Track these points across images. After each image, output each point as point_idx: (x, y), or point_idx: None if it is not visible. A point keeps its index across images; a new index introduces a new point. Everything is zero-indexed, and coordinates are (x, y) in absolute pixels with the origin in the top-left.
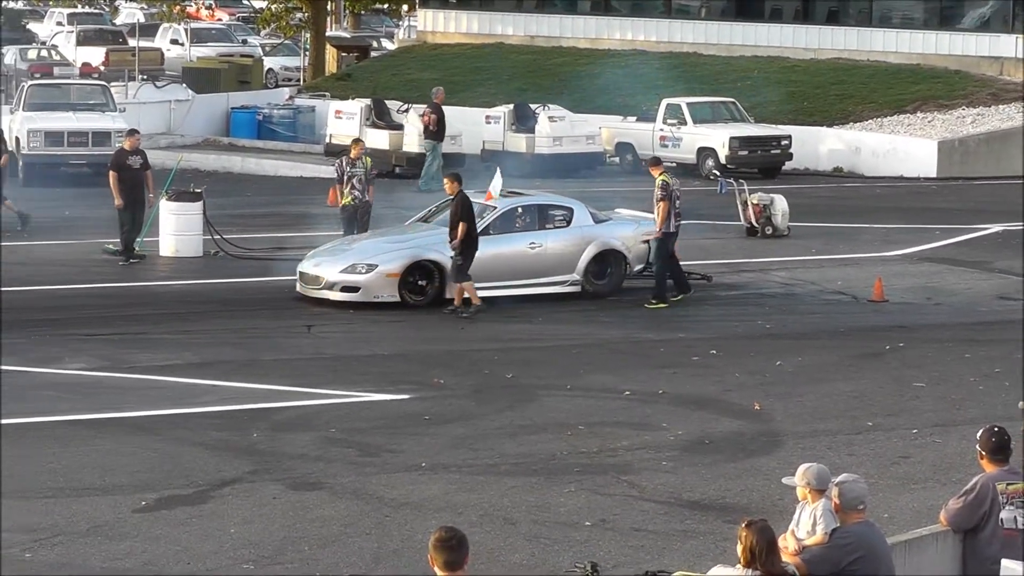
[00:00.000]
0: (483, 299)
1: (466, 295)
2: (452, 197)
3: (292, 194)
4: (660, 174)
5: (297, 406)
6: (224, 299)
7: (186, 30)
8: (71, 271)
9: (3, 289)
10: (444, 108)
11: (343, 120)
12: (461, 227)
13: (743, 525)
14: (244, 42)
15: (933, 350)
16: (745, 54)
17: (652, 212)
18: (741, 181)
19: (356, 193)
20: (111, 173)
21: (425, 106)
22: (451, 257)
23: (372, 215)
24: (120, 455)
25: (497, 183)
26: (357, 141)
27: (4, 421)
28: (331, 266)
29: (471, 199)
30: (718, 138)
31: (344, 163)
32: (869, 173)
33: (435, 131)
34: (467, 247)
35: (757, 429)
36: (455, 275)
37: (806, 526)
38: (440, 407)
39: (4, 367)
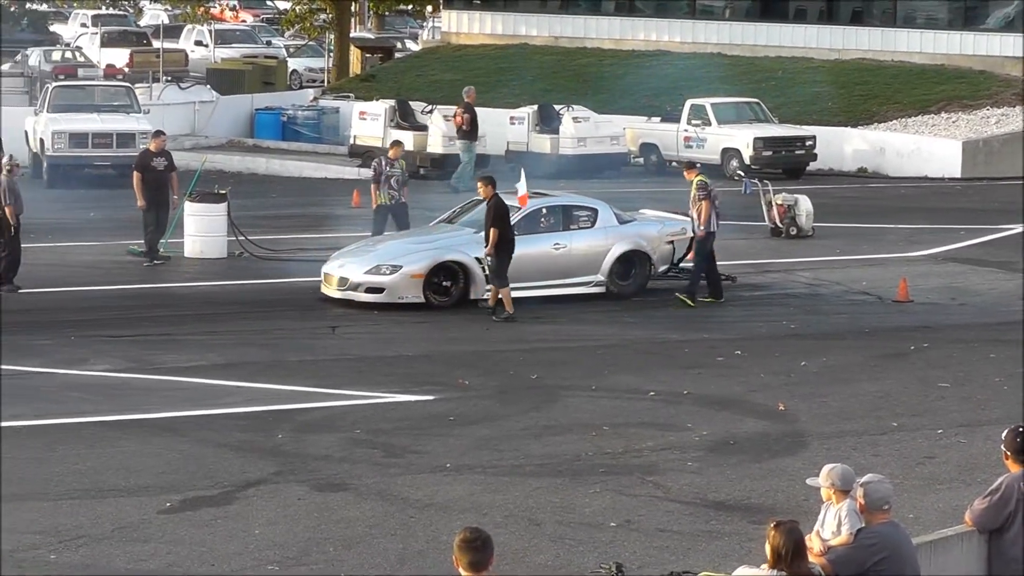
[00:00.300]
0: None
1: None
2: (485, 201)
3: (316, 195)
4: (696, 176)
5: (322, 407)
6: (249, 300)
7: (210, 31)
8: (95, 273)
9: (29, 291)
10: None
11: (367, 121)
12: (493, 232)
13: (772, 525)
14: (268, 43)
15: (958, 350)
16: (769, 55)
17: (678, 213)
18: (765, 181)
19: (393, 193)
20: (135, 174)
21: (457, 107)
22: (486, 261)
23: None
24: (145, 456)
25: (523, 184)
26: (397, 143)
27: (29, 423)
28: (356, 267)
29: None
30: (742, 138)
31: (382, 163)
32: (893, 173)
33: (468, 131)
34: (502, 251)
35: (782, 430)
36: (492, 279)
37: (831, 527)
38: (465, 408)
39: (30, 369)
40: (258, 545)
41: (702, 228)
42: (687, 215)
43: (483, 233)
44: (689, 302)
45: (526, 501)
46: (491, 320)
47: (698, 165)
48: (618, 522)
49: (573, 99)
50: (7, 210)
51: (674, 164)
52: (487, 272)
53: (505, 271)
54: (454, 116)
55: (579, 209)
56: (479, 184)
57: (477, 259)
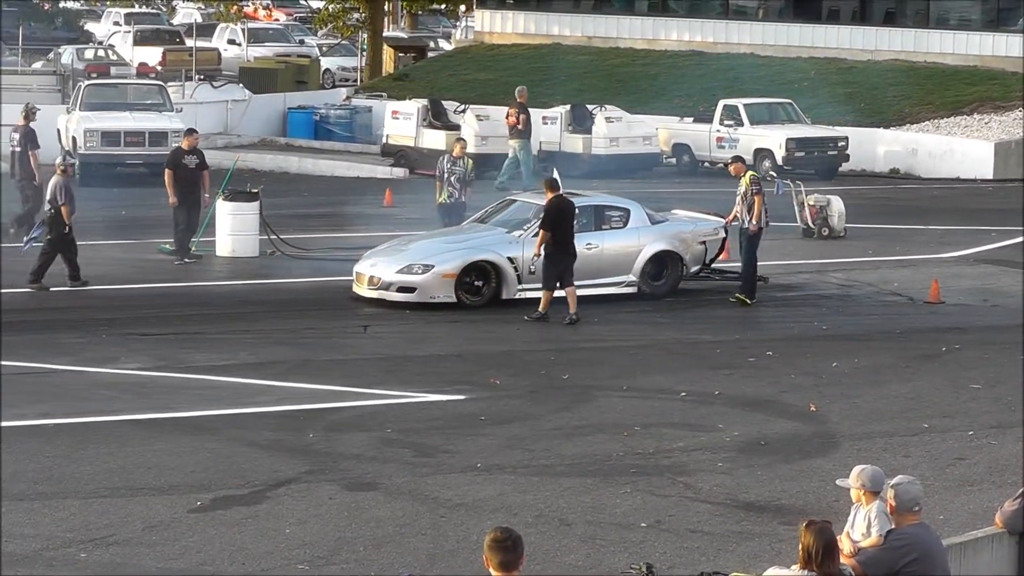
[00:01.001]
0: (538, 300)
1: (542, 299)
2: (548, 201)
3: (348, 194)
4: (747, 172)
5: (353, 406)
6: (280, 299)
7: (243, 30)
8: (127, 271)
9: (58, 289)
10: (500, 108)
11: (400, 120)
12: (541, 235)
13: (803, 524)
14: (301, 42)
15: (989, 352)
16: (802, 55)
17: (710, 214)
18: (798, 182)
19: (452, 191)
20: (167, 172)
21: (509, 107)
22: (531, 261)
23: (431, 216)
24: (176, 455)
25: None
26: (460, 140)
27: (60, 421)
28: (387, 267)
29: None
30: (775, 139)
31: (445, 161)
32: (926, 174)
33: (523, 129)
34: (556, 254)
35: (813, 430)
36: (545, 281)
37: (861, 528)
38: (496, 408)
39: (61, 367)
40: (288, 544)
41: (755, 224)
42: (719, 215)
43: (518, 232)
44: (747, 300)
45: (557, 501)
46: (526, 320)
47: (744, 160)
48: (648, 522)
49: (606, 99)
50: (62, 210)
51: (706, 164)
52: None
53: (553, 275)
54: (507, 116)
55: (611, 209)
56: (543, 186)
57: (509, 259)
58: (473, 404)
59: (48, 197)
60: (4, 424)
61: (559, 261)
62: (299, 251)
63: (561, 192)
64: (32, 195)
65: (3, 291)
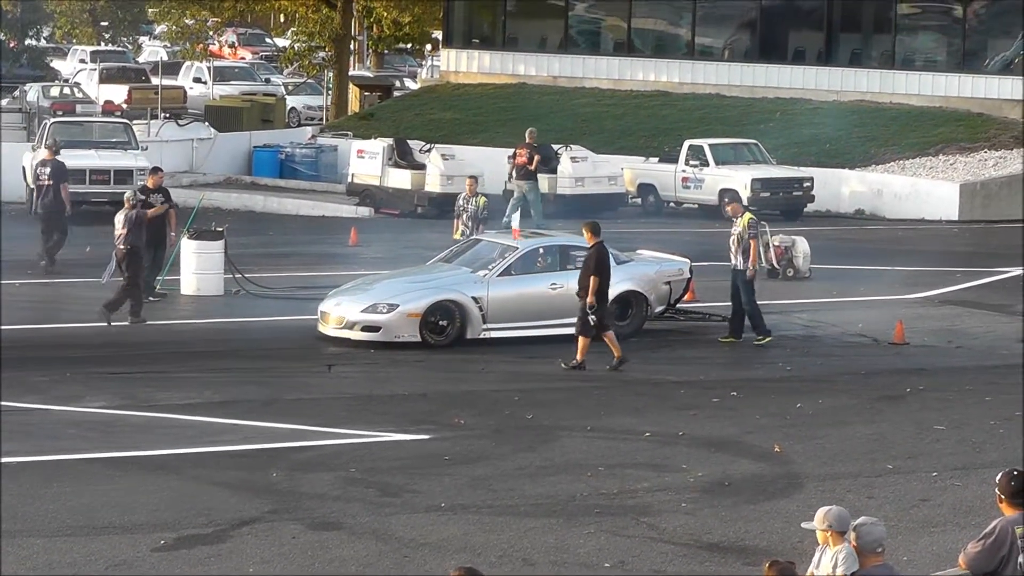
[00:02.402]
0: (503, 339)
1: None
2: (590, 247)
3: (314, 233)
4: (744, 213)
5: (317, 445)
6: (245, 338)
7: (209, 68)
8: (92, 309)
9: (24, 327)
10: (466, 148)
11: (365, 159)
12: (594, 281)
13: (767, 565)
14: (267, 81)
15: (953, 393)
16: (768, 96)
17: (675, 254)
18: (763, 223)
19: (465, 229)
20: None
21: (518, 146)
22: (588, 311)
23: (396, 255)
24: (140, 493)
25: (516, 219)
26: (471, 178)
27: (25, 459)
28: (352, 306)
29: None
30: (740, 179)
31: (460, 199)
32: (891, 215)
33: (533, 169)
34: (600, 300)
35: (777, 471)
36: (582, 329)
37: (826, 568)
38: (460, 447)
39: (25, 405)
40: None
41: (753, 267)
42: (685, 256)
43: (483, 272)
44: (767, 339)
45: (520, 541)
46: (561, 367)
47: (741, 199)
48: (612, 563)
49: (571, 139)
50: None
51: (671, 205)
52: (592, 322)
53: (602, 318)
54: (515, 156)
55: (576, 249)
56: (584, 229)
57: (474, 298)
58: (437, 444)
59: (120, 232)
60: None
61: (603, 306)
62: (264, 290)
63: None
64: (62, 227)
65: (73, 325)
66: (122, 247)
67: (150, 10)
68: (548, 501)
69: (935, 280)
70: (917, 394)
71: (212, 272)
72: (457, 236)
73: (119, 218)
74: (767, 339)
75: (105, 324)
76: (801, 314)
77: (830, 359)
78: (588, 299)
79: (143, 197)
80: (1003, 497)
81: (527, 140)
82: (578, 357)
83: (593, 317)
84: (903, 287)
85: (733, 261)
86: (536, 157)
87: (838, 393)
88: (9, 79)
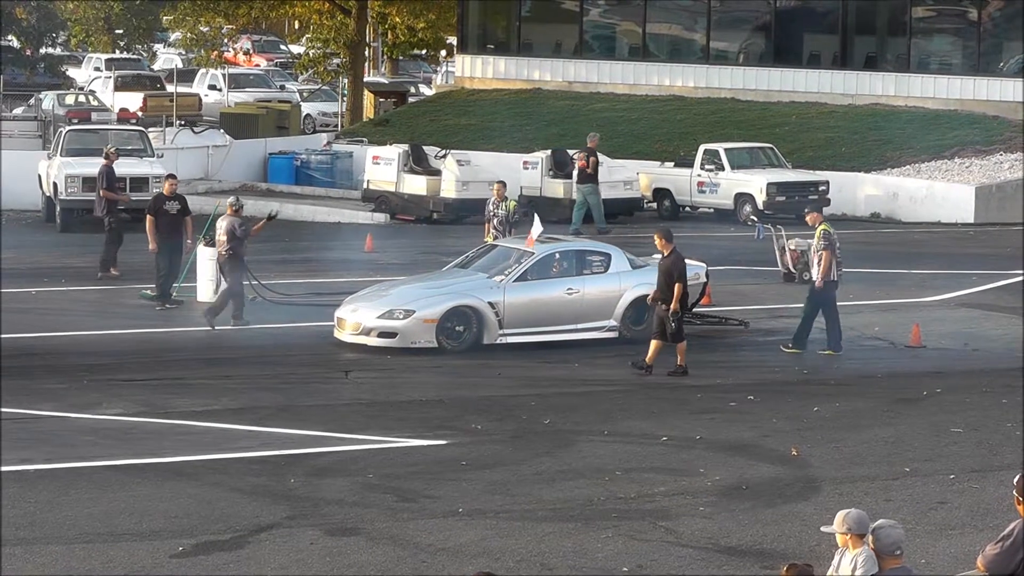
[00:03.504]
0: (520, 345)
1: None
2: (665, 255)
3: (329, 240)
4: (821, 223)
5: (335, 451)
6: (262, 344)
7: (224, 75)
8: (108, 317)
9: (40, 335)
10: (481, 153)
11: (380, 166)
12: (678, 288)
13: (786, 568)
14: (282, 87)
15: (970, 396)
16: (783, 100)
17: (691, 259)
18: (779, 227)
19: (496, 233)
20: (148, 218)
21: (579, 151)
22: (672, 317)
23: (412, 261)
24: (157, 500)
25: (536, 228)
26: (499, 183)
27: (43, 467)
28: (369, 312)
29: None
30: (756, 183)
31: (490, 204)
32: (906, 219)
33: (592, 173)
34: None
35: (794, 475)
36: (672, 336)
37: (845, 572)
38: (477, 453)
39: (43, 412)
40: None
41: (821, 279)
42: (701, 260)
43: (499, 277)
44: (796, 350)
45: (538, 546)
46: (636, 372)
47: (823, 211)
48: (630, 567)
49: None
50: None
51: (687, 209)
52: (672, 329)
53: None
54: (577, 160)
55: (592, 254)
56: (656, 237)
57: (490, 304)
58: (454, 449)
59: (221, 237)
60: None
61: (683, 312)
62: (280, 296)
63: None
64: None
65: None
66: (223, 252)
67: (165, 18)
68: (566, 505)
69: (951, 283)
70: (934, 397)
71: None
72: (489, 240)
73: (222, 224)
74: (795, 350)
75: (209, 328)
76: (818, 318)
77: (847, 362)
78: (672, 306)
79: (242, 203)
80: (1021, 499)
81: (588, 144)
82: (680, 362)
83: (674, 324)
84: (919, 290)
85: (808, 271)
86: (594, 160)
87: (855, 396)
88: (25, 87)
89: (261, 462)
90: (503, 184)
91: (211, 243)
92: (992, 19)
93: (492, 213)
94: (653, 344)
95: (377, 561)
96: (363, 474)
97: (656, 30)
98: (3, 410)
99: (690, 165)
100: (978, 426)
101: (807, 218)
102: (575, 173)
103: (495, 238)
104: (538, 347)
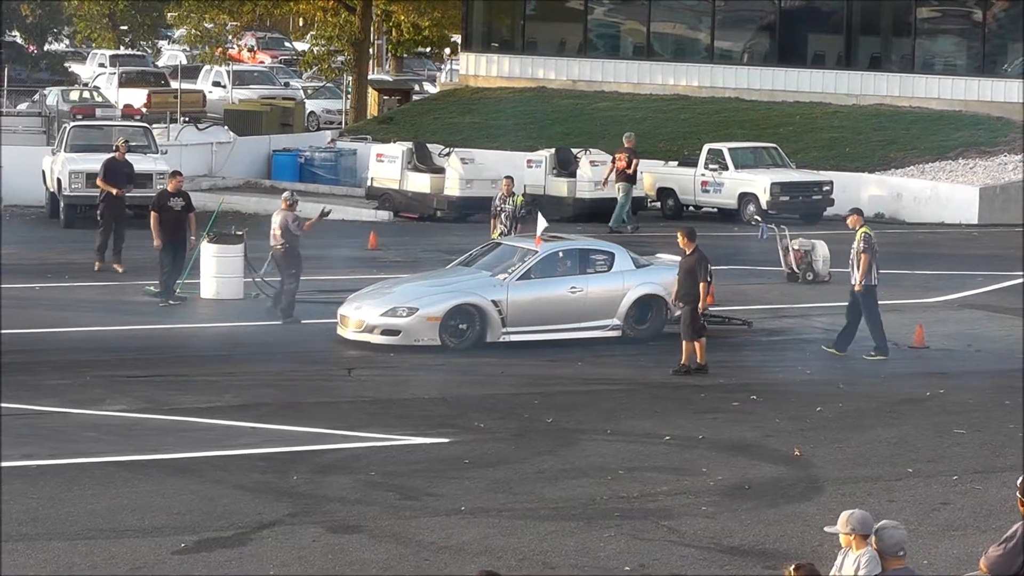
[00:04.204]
0: (523, 343)
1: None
2: (688, 253)
3: (333, 237)
4: (861, 226)
5: (337, 449)
6: (265, 341)
7: (228, 72)
8: (112, 313)
9: (44, 331)
10: (485, 152)
11: (384, 163)
12: (703, 287)
13: (792, 568)
14: (286, 85)
15: (973, 397)
16: (787, 100)
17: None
18: (783, 227)
19: (503, 228)
20: (152, 214)
21: (617, 151)
22: (700, 315)
23: (415, 259)
24: (160, 497)
25: (541, 227)
26: (506, 178)
27: (45, 462)
28: (372, 309)
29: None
30: (760, 183)
31: (497, 199)
32: (910, 219)
33: (631, 173)
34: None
35: (797, 475)
36: (693, 333)
37: (848, 573)
38: (480, 451)
39: (45, 408)
40: None
41: (860, 283)
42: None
43: (502, 275)
44: (880, 357)
45: (540, 544)
46: (671, 375)
47: (863, 214)
48: (632, 566)
49: (590, 143)
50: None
51: (691, 208)
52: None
53: (701, 326)
54: (614, 160)
55: (596, 253)
56: (680, 235)
57: (494, 302)
58: (457, 447)
59: (276, 232)
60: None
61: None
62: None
63: None
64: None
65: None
66: (279, 247)
67: (169, 14)
68: (568, 504)
69: (955, 284)
70: (937, 398)
71: (231, 276)
72: (495, 236)
73: (276, 219)
74: (879, 357)
75: (287, 320)
76: (821, 317)
77: (850, 362)
78: (700, 304)
79: (297, 199)
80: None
81: (625, 144)
82: (684, 360)
83: (691, 320)
84: (923, 291)
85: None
86: (635, 161)
87: (858, 397)
88: (29, 83)
89: (264, 459)
90: (511, 179)
91: (215, 240)
92: (996, 20)
93: (499, 208)
94: (685, 345)
95: (379, 559)
96: (365, 472)
97: (660, 29)
98: (6, 405)
99: (694, 164)
100: (981, 427)
101: (848, 220)
102: (613, 172)
103: (502, 233)
104: (541, 346)
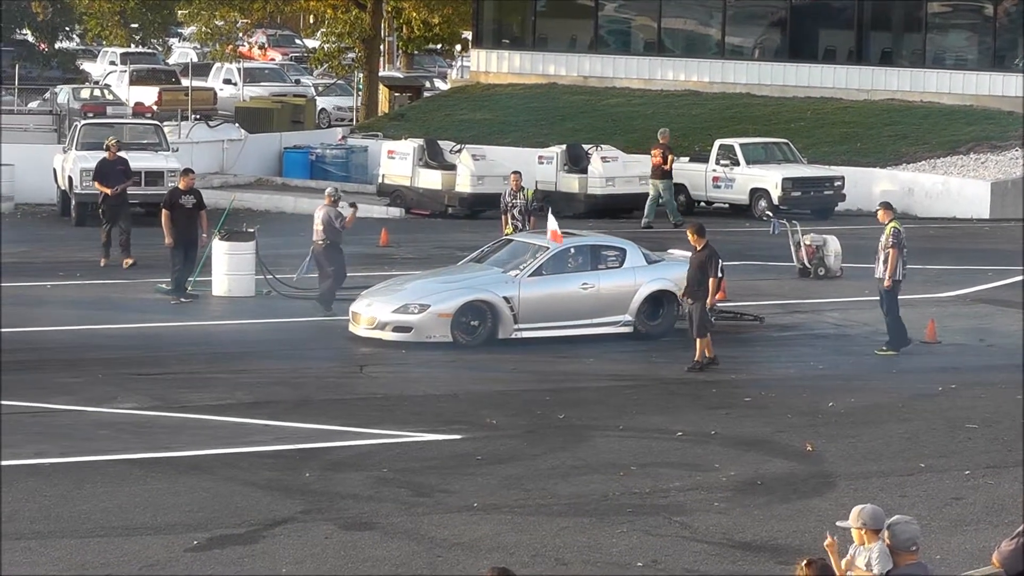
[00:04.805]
0: (535, 339)
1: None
2: (699, 249)
3: (344, 234)
4: (891, 221)
5: (350, 446)
6: (276, 339)
7: (239, 70)
8: (124, 311)
9: (55, 329)
10: (496, 148)
11: (396, 160)
12: (712, 283)
13: (804, 563)
14: (297, 82)
15: (986, 392)
16: (798, 95)
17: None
18: (794, 222)
19: (516, 223)
20: (163, 212)
21: (653, 147)
22: (694, 309)
23: (427, 255)
24: (172, 494)
25: (552, 224)
26: (515, 173)
27: (58, 460)
28: (384, 306)
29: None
30: (771, 179)
31: (507, 195)
32: (922, 214)
33: (668, 169)
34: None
35: (809, 470)
36: (701, 329)
37: (860, 567)
38: (492, 447)
39: (58, 406)
40: None
41: (889, 279)
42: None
43: (514, 272)
44: (891, 352)
45: (553, 541)
46: (686, 372)
47: (894, 209)
48: (645, 562)
49: (602, 139)
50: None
51: (702, 204)
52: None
53: (709, 321)
54: (652, 156)
55: (607, 249)
56: (690, 232)
57: (505, 298)
58: (469, 444)
59: (318, 227)
60: (2, 463)
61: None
62: (295, 291)
63: None
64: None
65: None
66: (320, 243)
67: (180, 12)
68: (580, 500)
69: (967, 278)
70: (949, 392)
71: (243, 273)
72: (508, 231)
73: (318, 214)
74: (890, 352)
75: (327, 312)
76: (833, 312)
77: (862, 358)
78: (709, 300)
79: (340, 195)
80: None
81: (660, 141)
82: (697, 357)
83: (697, 317)
84: (934, 285)
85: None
86: (671, 157)
87: (870, 392)
88: (40, 81)
89: (276, 456)
90: (519, 174)
91: (226, 237)
92: (1008, 15)
93: (510, 204)
94: (698, 342)
95: (392, 556)
96: (378, 468)
97: (671, 25)
98: (19, 404)
99: (705, 160)
100: (993, 422)
101: (878, 215)
102: (650, 168)
103: (515, 229)
104: (553, 342)
